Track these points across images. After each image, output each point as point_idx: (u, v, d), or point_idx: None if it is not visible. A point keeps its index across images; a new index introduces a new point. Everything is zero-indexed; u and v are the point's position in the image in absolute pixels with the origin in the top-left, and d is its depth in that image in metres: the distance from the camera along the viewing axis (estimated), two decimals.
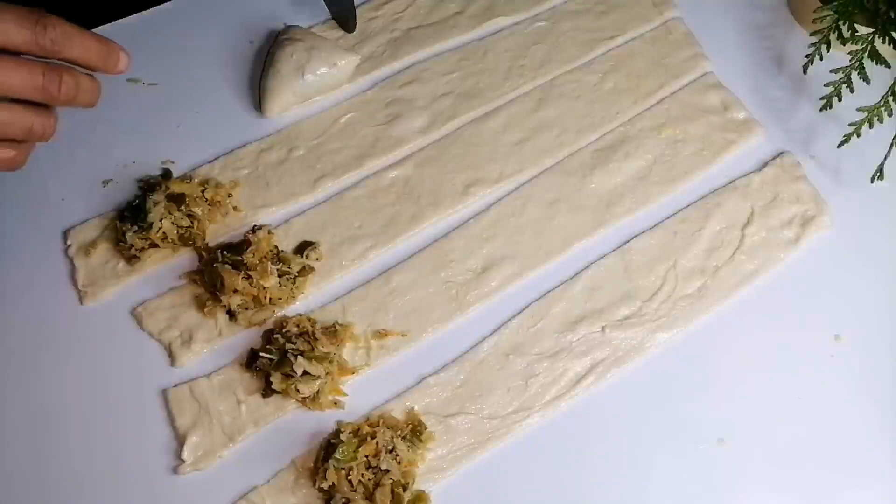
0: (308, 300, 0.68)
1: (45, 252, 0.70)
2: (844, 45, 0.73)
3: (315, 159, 0.74)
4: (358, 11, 0.82)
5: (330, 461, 0.58)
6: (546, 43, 0.81)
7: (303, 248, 0.69)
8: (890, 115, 0.70)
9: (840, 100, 0.72)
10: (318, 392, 0.63)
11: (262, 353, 0.63)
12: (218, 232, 0.71)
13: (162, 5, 0.83)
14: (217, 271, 0.65)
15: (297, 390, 0.62)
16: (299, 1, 0.84)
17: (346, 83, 0.79)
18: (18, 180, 0.72)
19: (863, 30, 0.73)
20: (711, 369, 0.66)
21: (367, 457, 0.59)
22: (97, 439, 0.63)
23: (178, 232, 0.68)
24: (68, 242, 0.70)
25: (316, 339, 0.63)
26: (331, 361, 0.63)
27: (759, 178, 0.73)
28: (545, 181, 0.74)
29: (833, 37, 0.74)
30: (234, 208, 0.72)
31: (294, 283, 0.67)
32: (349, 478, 0.58)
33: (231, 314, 0.66)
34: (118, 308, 0.68)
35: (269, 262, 0.66)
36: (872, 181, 0.70)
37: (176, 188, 0.69)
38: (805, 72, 0.76)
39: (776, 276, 0.69)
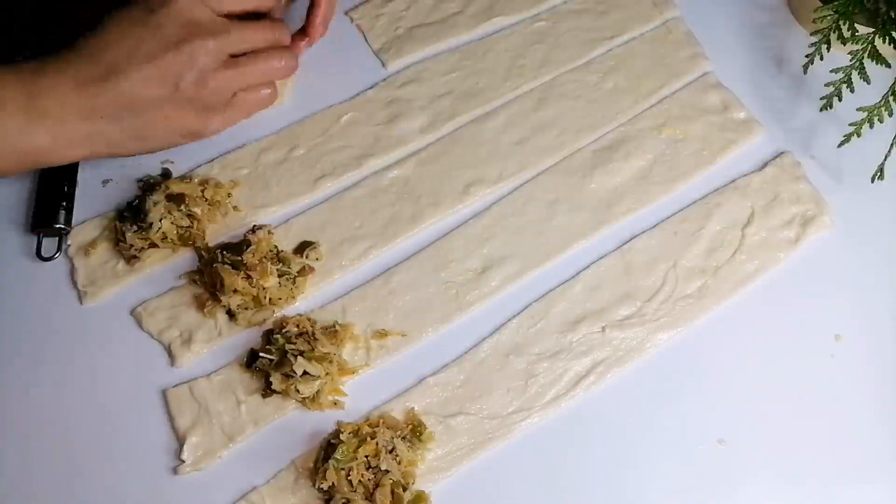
0: (308, 300, 0.68)
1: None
2: (844, 44, 0.73)
3: (315, 159, 0.74)
4: (362, 9, 0.82)
5: (330, 461, 0.58)
6: (546, 43, 0.81)
7: (303, 248, 0.69)
8: (890, 115, 0.70)
9: (840, 100, 0.72)
10: (317, 392, 0.63)
11: (261, 354, 0.63)
12: (218, 232, 0.70)
13: None
14: (217, 271, 0.65)
15: (297, 390, 0.62)
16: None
17: None
18: (18, 180, 0.73)
19: (863, 29, 0.73)
20: (711, 369, 0.66)
21: (367, 457, 0.59)
22: (97, 439, 0.63)
23: (177, 232, 0.68)
24: (68, 242, 0.70)
25: (316, 339, 0.63)
26: (331, 361, 0.63)
27: (760, 178, 0.73)
28: (545, 181, 0.74)
29: (833, 37, 0.74)
30: (234, 208, 0.72)
31: (294, 283, 0.67)
32: (349, 478, 0.58)
33: (231, 314, 0.66)
34: (118, 308, 0.68)
35: (269, 262, 0.66)
36: (872, 181, 0.70)
37: (175, 188, 0.69)
38: (805, 72, 0.76)
39: (776, 276, 0.69)
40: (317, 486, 0.59)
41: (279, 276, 0.66)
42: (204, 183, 0.71)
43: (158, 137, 0.66)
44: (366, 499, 0.58)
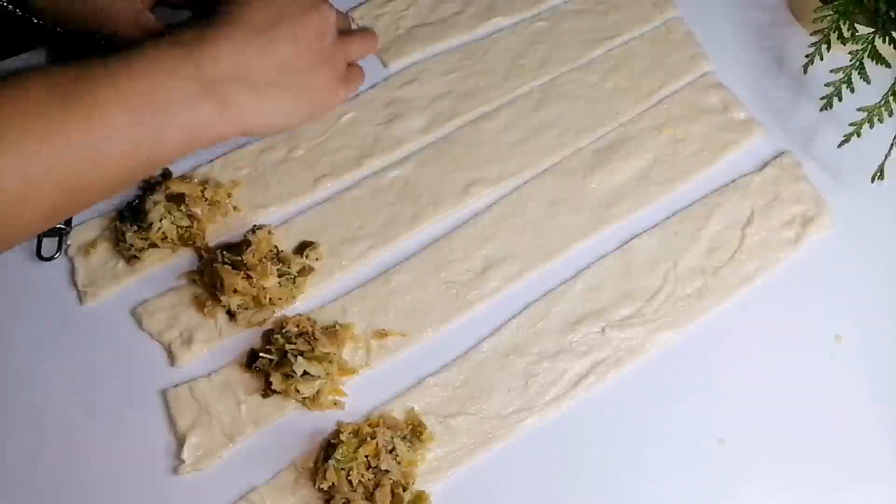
0: (308, 300, 0.68)
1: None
2: (845, 44, 0.73)
3: (315, 159, 0.74)
4: (363, 9, 0.83)
5: (330, 461, 0.58)
6: (546, 43, 0.81)
7: (303, 248, 0.69)
8: (890, 115, 0.70)
9: (840, 100, 0.72)
10: (318, 392, 0.63)
11: (262, 354, 0.63)
12: (218, 232, 0.71)
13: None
14: (217, 271, 0.65)
15: (297, 390, 0.62)
16: None
17: None
18: None
19: (863, 29, 0.73)
20: (711, 369, 0.66)
21: (367, 457, 0.59)
22: (97, 439, 0.63)
23: (177, 232, 0.68)
24: (68, 242, 0.70)
25: (316, 339, 0.63)
26: (331, 361, 0.63)
27: (760, 178, 0.73)
28: (545, 181, 0.74)
29: (833, 37, 0.74)
30: (234, 208, 0.72)
31: (294, 283, 0.67)
32: (349, 478, 0.58)
33: (231, 314, 0.66)
34: (118, 308, 0.68)
35: (269, 262, 0.66)
36: (872, 181, 0.70)
37: (175, 188, 0.69)
38: (805, 72, 0.76)
39: (776, 276, 0.69)
40: (317, 486, 0.59)
41: (279, 276, 0.66)
42: (204, 183, 0.71)
43: (307, 104, 0.63)
44: (366, 499, 0.58)
